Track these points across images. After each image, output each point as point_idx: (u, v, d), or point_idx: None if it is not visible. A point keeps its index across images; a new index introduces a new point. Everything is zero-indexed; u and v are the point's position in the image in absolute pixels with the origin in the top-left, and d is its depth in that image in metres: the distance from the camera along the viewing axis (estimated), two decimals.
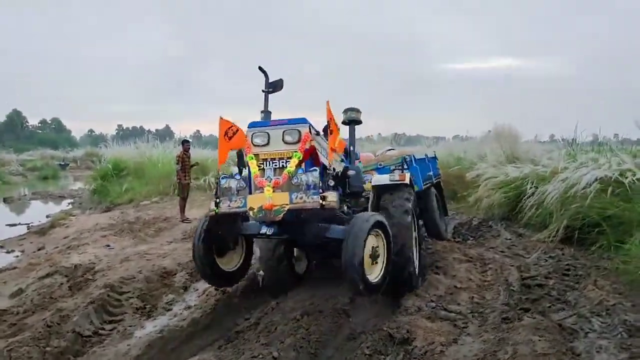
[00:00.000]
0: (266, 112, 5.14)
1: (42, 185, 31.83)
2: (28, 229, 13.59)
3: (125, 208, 15.16)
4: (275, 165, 4.53)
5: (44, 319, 5.39)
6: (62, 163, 45.77)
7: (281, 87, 5.21)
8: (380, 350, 4.24)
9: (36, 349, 4.67)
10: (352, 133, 5.52)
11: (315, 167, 4.48)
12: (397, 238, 5.02)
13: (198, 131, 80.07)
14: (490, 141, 13.47)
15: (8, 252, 10.91)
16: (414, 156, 7.35)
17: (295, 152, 4.45)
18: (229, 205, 4.54)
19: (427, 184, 7.68)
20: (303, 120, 4.57)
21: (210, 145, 26.93)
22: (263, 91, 5.13)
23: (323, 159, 4.83)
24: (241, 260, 5.40)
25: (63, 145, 64.66)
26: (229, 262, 5.29)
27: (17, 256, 10.43)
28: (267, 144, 4.56)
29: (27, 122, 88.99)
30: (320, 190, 4.30)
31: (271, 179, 4.42)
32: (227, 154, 4.86)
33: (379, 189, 5.71)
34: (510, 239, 8.25)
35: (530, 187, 9.35)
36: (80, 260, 7.97)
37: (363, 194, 5.71)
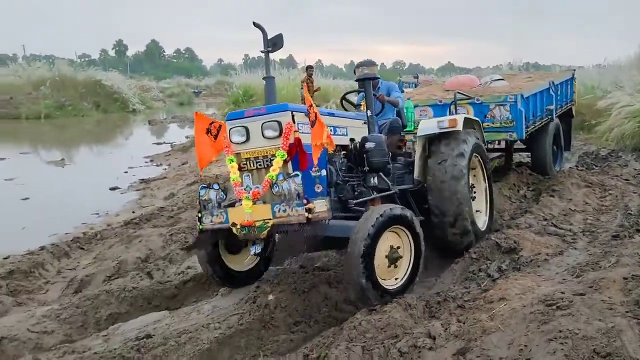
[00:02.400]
0: (269, 78, 4.33)
1: (179, 110, 34.70)
2: (171, 147, 15.25)
3: None
4: (260, 165, 3.84)
5: (194, 215, 6.39)
6: (196, 90, 49.03)
7: (282, 45, 4.41)
8: (487, 256, 4.58)
9: (190, 235, 5.65)
10: (368, 92, 4.50)
11: (297, 172, 3.62)
12: (445, 204, 4.64)
13: (320, 60, 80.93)
14: (629, 68, 12.49)
15: (157, 165, 12.49)
16: (521, 94, 6.42)
17: (279, 149, 3.68)
18: (212, 221, 3.82)
19: (540, 121, 7.03)
20: (283, 107, 3.77)
21: (331, 73, 27.59)
22: (262, 51, 4.34)
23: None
24: (255, 260, 4.44)
25: (196, 74, 68.92)
26: (240, 262, 4.41)
27: (165, 169, 11.92)
28: (247, 139, 3.83)
29: (163, 51, 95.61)
30: (305, 201, 3.48)
31: (250, 189, 3.75)
32: (216, 156, 4.16)
33: (427, 139, 4.93)
34: (638, 169, 7.93)
35: None
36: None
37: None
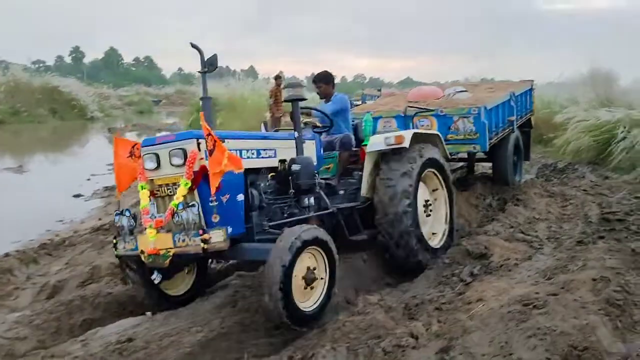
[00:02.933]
0: (206, 99, 4.31)
1: (138, 118, 34.11)
2: None
3: None
4: (170, 191, 3.76)
5: None
6: (155, 100, 48.35)
7: (216, 65, 4.40)
8: (459, 261, 4.74)
9: None
10: (295, 112, 4.34)
11: (194, 202, 3.61)
12: (389, 224, 4.61)
13: (281, 72, 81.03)
14: (583, 84, 13.09)
15: None
16: (484, 107, 6.36)
17: (182, 177, 3.63)
18: (124, 247, 3.83)
19: (502, 133, 7.09)
20: (189, 135, 3.74)
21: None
22: (199, 72, 4.31)
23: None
24: (190, 284, 4.45)
25: (155, 82, 67.90)
26: (175, 287, 4.36)
27: None
28: (158, 166, 3.78)
29: (122, 59, 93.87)
30: (200, 232, 3.45)
31: (154, 217, 3.72)
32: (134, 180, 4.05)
33: (380, 154, 4.90)
34: (594, 181, 8.30)
35: (622, 131, 9.21)
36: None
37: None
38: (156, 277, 3.93)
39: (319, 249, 3.71)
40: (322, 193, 4.56)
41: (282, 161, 4.30)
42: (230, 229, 3.56)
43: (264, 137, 4.37)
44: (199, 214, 3.55)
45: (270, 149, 4.26)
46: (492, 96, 7.35)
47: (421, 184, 4.98)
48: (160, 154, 3.76)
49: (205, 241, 3.42)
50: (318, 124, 5.15)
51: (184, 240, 3.52)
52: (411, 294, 4.22)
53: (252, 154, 4.07)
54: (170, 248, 3.56)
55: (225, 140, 3.67)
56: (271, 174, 4.25)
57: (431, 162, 5.03)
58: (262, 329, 3.80)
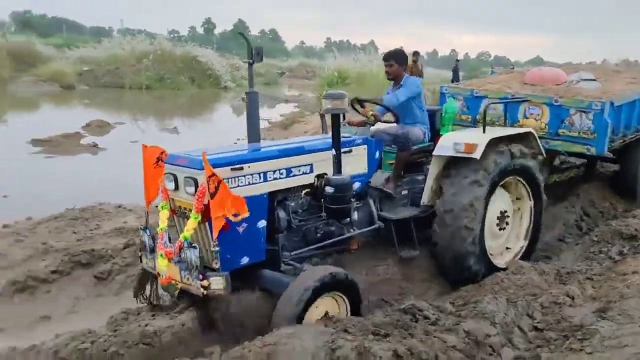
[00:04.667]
0: (252, 93, 4.19)
1: (265, 89, 35.82)
2: (269, 123, 16.10)
3: None
4: (187, 215, 3.45)
5: None
6: (279, 72, 50.16)
7: (262, 57, 4.36)
8: (608, 240, 4.92)
9: None
10: (333, 126, 3.78)
11: (195, 245, 3.33)
12: (446, 238, 4.18)
13: (402, 47, 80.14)
14: None
15: (263, 139, 13.31)
16: (611, 102, 5.23)
17: (191, 209, 3.35)
18: (147, 263, 3.73)
19: (634, 137, 5.90)
20: (201, 165, 3.23)
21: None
22: (245, 62, 4.21)
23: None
24: None
25: (278, 55, 70.31)
26: None
27: None
28: (176, 188, 3.51)
29: (249, 31, 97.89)
30: (200, 276, 3.25)
31: (167, 245, 3.47)
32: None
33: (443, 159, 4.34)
34: None
35: None
36: None
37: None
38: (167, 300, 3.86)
39: (340, 293, 3.41)
40: (371, 204, 4.24)
41: (320, 176, 3.87)
42: (246, 259, 3.51)
43: (298, 152, 3.88)
44: (200, 257, 3.26)
45: (304, 165, 3.86)
46: (627, 89, 6.04)
47: (500, 192, 4.48)
48: (178, 176, 3.47)
49: (204, 287, 3.24)
50: (383, 118, 4.66)
51: (187, 279, 3.34)
52: (560, 265, 4.50)
53: (281, 174, 3.72)
54: (177, 282, 3.41)
55: (246, 164, 3.51)
56: (305, 190, 3.88)
57: (515, 169, 4.44)
58: (420, 279, 4.33)
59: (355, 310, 3.48)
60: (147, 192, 3.70)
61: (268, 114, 19.31)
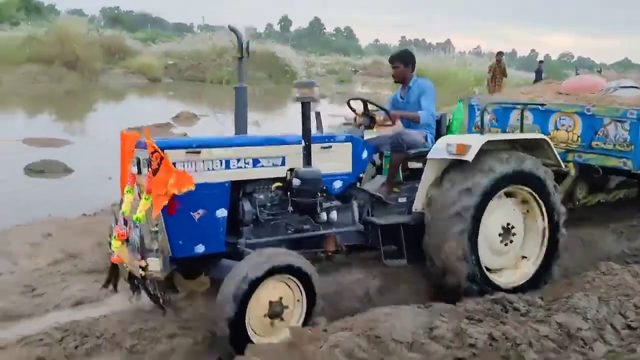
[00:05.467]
0: (241, 89, 4.12)
1: (339, 86, 36.15)
2: (345, 120, 16.37)
3: None
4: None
5: None
6: (353, 69, 50.38)
7: (248, 52, 4.22)
8: None
9: None
10: (304, 114, 3.51)
11: (136, 225, 3.28)
12: (435, 249, 3.88)
13: (479, 46, 78.35)
14: None
15: None
16: None
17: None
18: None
19: None
20: (159, 143, 3.20)
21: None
22: (235, 56, 4.10)
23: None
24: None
25: (352, 53, 70.51)
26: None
27: None
28: (139, 171, 3.43)
29: (324, 28, 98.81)
30: (139, 257, 3.17)
31: (122, 227, 3.43)
32: None
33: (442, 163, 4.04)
34: None
35: None
36: None
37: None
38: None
39: (294, 277, 3.23)
40: (354, 205, 4.05)
41: (291, 170, 3.69)
42: (202, 248, 3.41)
43: (266, 143, 3.75)
44: (140, 236, 3.22)
45: (274, 157, 3.71)
46: None
47: (507, 203, 4.12)
48: (140, 159, 3.40)
49: (142, 267, 3.16)
50: (379, 120, 4.40)
51: (131, 260, 3.31)
52: None
53: (246, 163, 3.60)
54: (126, 263, 3.39)
55: (205, 149, 3.44)
56: (276, 184, 3.73)
57: (519, 178, 4.02)
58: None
59: (310, 306, 3.28)
60: (122, 177, 3.67)
61: (339, 111, 19.54)
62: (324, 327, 3.12)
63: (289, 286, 3.24)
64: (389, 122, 4.33)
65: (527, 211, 4.21)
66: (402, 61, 4.48)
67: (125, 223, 3.43)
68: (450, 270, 3.81)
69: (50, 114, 16.55)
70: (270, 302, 3.16)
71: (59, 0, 68.80)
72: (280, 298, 3.20)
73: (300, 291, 3.27)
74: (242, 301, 3.01)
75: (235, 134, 4.22)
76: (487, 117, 4.21)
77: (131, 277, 3.53)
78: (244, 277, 3.02)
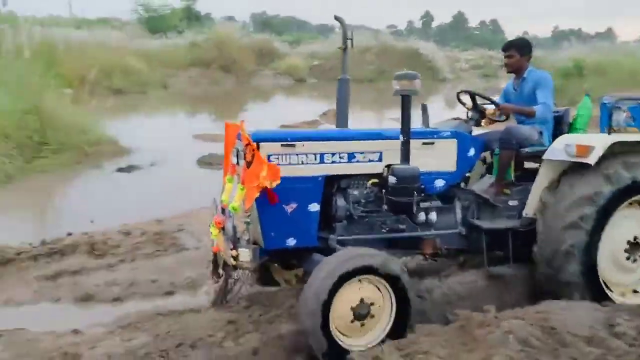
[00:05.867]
0: (344, 80, 3.94)
1: (483, 82, 34.82)
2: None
3: None
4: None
5: None
6: (500, 64, 48.16)
7: (352, 43, 4.04)
8: None
9: None
10: (404, 108, 3.30)
11: (231, 215, 3.33)
12: (548, 267, 3.52)
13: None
14: None
15: None
16: None
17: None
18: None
19: None
20: (251, 137, 3.24)
21: None
22: (339, 48, 3.99)
23: None
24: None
25: (498, 47, 67.35)
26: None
27: None
28: (237, 162, 3.51)
29: (468, 23, 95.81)
30: (231, 246, 3.24)
31: (220, 216, 3.50)
32: None
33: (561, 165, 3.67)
34: None
35: None
36: None
37: None
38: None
39: (383, 280, 3.05)
40: (457, 207, 3.84)
41: (389, 167, 3.54)
42: (293, 241, 3.41)
43: (363, 137, 3.63)
44: (233, 227, 3.26)
45: (371, 152, 3.56)
46: None
47: (634, 212, 3.65)
48: (239, 150, 3.46)
49: (234, 257, 3.24)
50: (493, 116, 4.13)
51: (227, 250, 3.36)
52: None
53: (341, 158, 3.49)
54: (222, 252, 3.50)
55: (300, 142, 3.38)
56: (372, 180, 3.60)
57: None
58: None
59: (402, 311, 3.08)
60: (225, 167, 3.74)
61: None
62: (494, 314, 3.13)
63: (379, 288, 3.08)
64: (502, 117, 4.06)
65: None
66: (518, 50, 4.17)
67: (224, 212, 3.52)
68: (563, 287, 3.47)
69: (210, 112, 18.08)
70: (356, 303, 3.01)
71: (214, 8, 74.53)
72: (364, 299, 3.02)
73: (390, 294, 3.08)
74: (327, 297, 2.90)
75: (336, 127, 4.15)
76: (622, 116, 3.73)
77: (225, 265, 3.59)
78: (331, 272, 2.93)
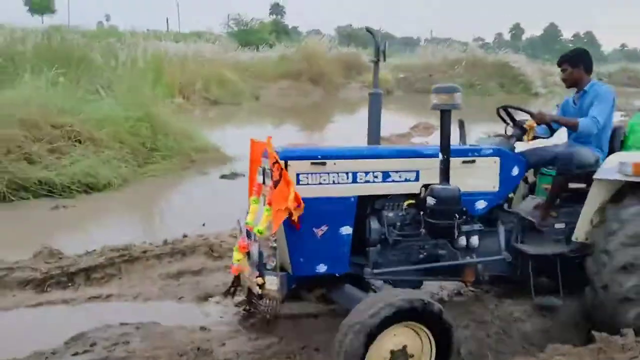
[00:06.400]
0: (376, 94, 3.78)
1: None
2: None
3: None
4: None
5: None
6: (597, 78, 45.75)
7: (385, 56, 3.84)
8: None
9: None
10: (443, 123, 3.04)
11: (255, 239, 3.17)
12: (603, 292, 3.24)
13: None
14: None
15: None
16: None
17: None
18: None
19: None
20: (279, 155, 3.05)
21: None
22: (371, 61, 3.80)
23: None
24: None
25: (594, 60, 64.22)
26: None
27: None
28: (263, 182, 3.33)
29: (561, 35, 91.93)
30: (257, 274, 3.06)
31: (245, 239, 3.28)
32: None
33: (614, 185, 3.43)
34: None
35: None
36: None
37: None
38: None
39: (421, 325, 2.73)
40: (501, 231, 3.58)
41: (426, 186, 3.30)
42: (324, 268, 3.20)
43: (398, 155, 3.41)
44: (259, 252, 3.11)
45: (407, 171, 3.32)
46: None
47: None
48: (266, 169, 3.28)
49: (260, 286, 3.07)
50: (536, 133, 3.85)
51: (250, 275, 3.20)
52: None
53: (375, 177, 3.26)
54: (247, 278, 3.33)
55: (331, 160, 3.16)
56: (408, 201, 3.36)
57: None
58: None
59: (443, 353, 2.77)
60: (250, 186, 3.59)
61: None
62: (634, 338, 2.97)
63: (418, 334, 2.78)
64: (547, 133, 3.88)
65: None
66: (570, 62, 3.94)
67: (249, 235, 3.30)
68: (619, 311, 3.20)
69: (300, 124, 18.46)
70: (396, 347, 2.72)
71: (301, 21, 76.20)
72: (405, 346, 2.74)
73: (430, 342, 2.77)
74: (365, 341, 2.59)
75: (367, 143, 3.95)
76: None
77: (250, 293, 3.47)
78: (384, 317, 2.60)
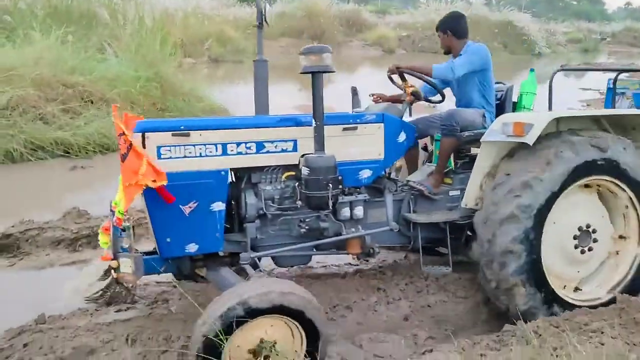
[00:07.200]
0: (260, 62, 3.48)
1: (582, 57, 32.89)
2: (601, 94, 15.00)
3: None
4: None
5: None
6: (600, 37, 45.23)
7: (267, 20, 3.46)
8: None
9: None
10: (315, 87, 2.80)
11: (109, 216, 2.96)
12: (484, 254, 3.15)
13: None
14: None
15: None
16: None
17: None
18: None
19: None
20: (138, 128, 2.86)
21: None
22: (253, 26, 3.43)
23: None
24: None
25: (596, 18, 63.28)
26: None
27: None
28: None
29: None
30: (110, 257, 2.82)
31: (111, 219, 2.98)
32: None
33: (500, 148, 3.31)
34: None
35: None
36: None
37: None
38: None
39: (290, 319, 2.52)
40: (388, 200, 3.44)
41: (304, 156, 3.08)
42: (195, 247, 3.00)
43: (272, 124, 3.15)
44: (113, 232, 2.88)
45: (284, 140, 3.13)
46: None
47: (583, 197, 3.29)
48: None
49: (114, 269, 2.83)
50: (422, 96, 3.70)
51: (111, 257, 2.91)
52: None
53: (248, 148, 3.06)
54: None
55: (196, 131, 2.93)
56: (287, 173, 3.20)
57: (601, 168, 3.15)
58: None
59: (312, 343, 2.57)
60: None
61: (578, 96, 17.55)
62: None
63: (288, 326, 2.57)
64: (439, 98, 3.72)
65: (636, 210, 3.34)
66: (441, 29, 3.89)
67: (114, 215, 2.97)
68: (503, 287, 3.10)
69: (303, 84, 18.35)
70: (261, 340, 2.51)
71: None
72: (264, 340, 2.51)
73: (300, 334, 2.58)
74: (225, 330, 2.39)
75: (255, 113, 3.75)
76: (625, 102, 3.42)
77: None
78: (223, 314, 2.39)
